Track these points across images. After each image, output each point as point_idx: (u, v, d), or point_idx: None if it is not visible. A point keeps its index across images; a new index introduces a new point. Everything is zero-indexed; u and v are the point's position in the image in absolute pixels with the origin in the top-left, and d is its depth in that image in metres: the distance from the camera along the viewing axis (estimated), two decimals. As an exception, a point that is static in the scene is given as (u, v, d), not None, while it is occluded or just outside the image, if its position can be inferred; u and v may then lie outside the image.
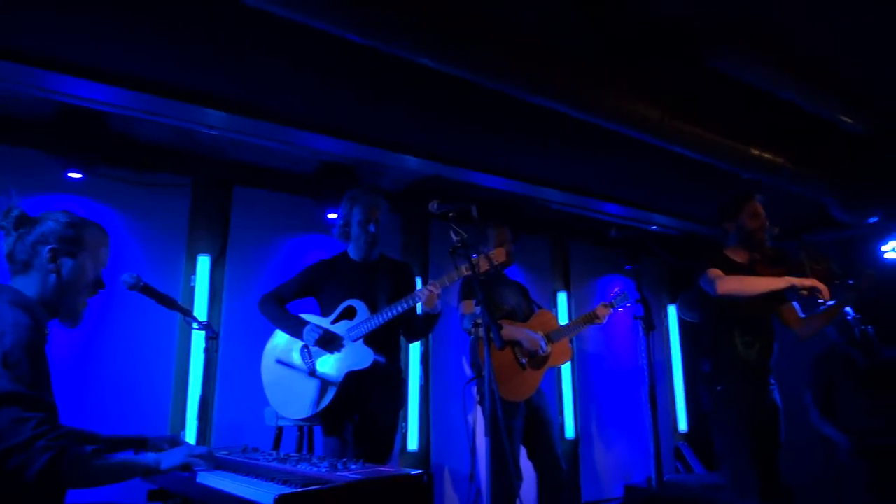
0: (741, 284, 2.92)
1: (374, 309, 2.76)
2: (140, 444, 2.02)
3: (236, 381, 3.69)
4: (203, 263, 3.77)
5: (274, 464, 1.85)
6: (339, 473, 1.64)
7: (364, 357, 2.67)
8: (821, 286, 2.81)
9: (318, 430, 3.14)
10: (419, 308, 2.81)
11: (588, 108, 2.92)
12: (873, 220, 4.32)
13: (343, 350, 2.72)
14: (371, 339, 2.72)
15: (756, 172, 3.72)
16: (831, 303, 2.96)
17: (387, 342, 2.83)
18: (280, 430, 3.09)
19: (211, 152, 3.81)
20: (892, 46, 2.96)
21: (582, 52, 2.88)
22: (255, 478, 1.59)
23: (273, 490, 1.42)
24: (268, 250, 4.02)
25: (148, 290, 2.12)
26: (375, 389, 2.77)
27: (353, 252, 2.97)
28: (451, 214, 2.38)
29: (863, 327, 3.97)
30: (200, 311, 3.69)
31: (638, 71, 3.06)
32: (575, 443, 5.09)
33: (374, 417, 2.77)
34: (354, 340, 2.72)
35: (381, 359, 2.73)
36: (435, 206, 2.45)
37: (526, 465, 3.33)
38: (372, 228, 2.87)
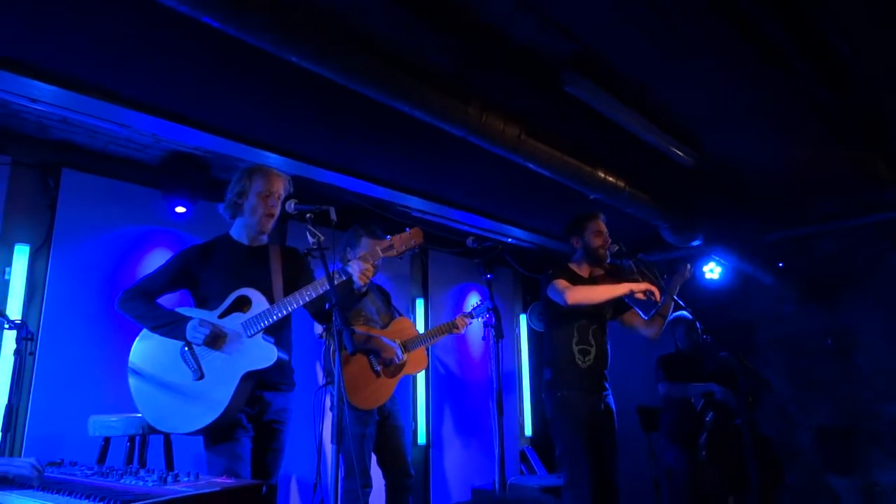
0: (588, 293, 3.22)
1: (270, 298, 2.44)
2: None
3: (57, 387, 3.30)
4: (21, 253, 3.34)
5: (93, 479, 1.67)
6: (167, 487, 1.51)
7: (266, 354, 2.33)
8: (652, 287, 3.18)
9: (154, 440, 2.89)
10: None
11: (450, 119, 2.99)
12: (696, 243, 4.88)
13: (239, 347, 2.36)
14: (269, 333, 2.40)
15: (600, 193, 4.03)
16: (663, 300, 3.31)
17: (285, 335, 2.55)
18: (107, 441, 2.80)
19: (36, 130, 3.39)
20: (716, 101, 3.44)
21: (448, 67, 2.94)
22: (68, 496, 1.42)
23: (87, 509, 1.28)
24: (102, 242, 3.64)
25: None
26: (273, 390, 2.50)
27: (238, 233, 2.62)
28: (308, 216, 2.33)
29: (704, 336, 4.45)
30: (15, 307, 3.26)
31: (500, 89, 3.19)
32: (426, 449, 5.15)
33: (271, 423, 2.48)
34: (252, 336, 2.37)
35: (285, 355, 2.46)
36: (292, 206, 2.38)
37: (376, 472, 3.32)
38: (273, 203, 2.55)
